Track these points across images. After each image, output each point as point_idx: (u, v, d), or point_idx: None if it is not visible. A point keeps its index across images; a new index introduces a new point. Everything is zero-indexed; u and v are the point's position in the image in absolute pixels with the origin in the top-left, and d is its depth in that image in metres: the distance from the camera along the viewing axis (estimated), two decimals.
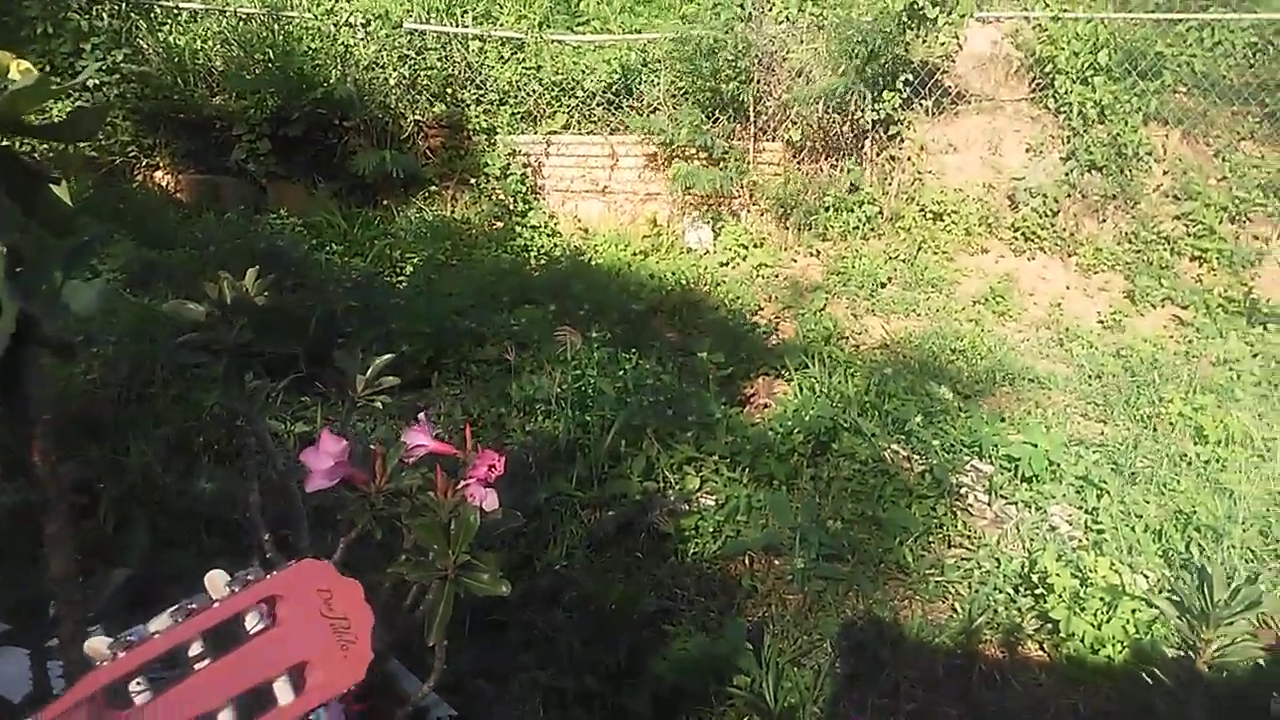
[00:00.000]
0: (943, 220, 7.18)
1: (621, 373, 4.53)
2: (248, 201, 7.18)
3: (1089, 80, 7.24)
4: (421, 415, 1.54)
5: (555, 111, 7.83)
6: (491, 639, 2.74)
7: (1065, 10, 7.51)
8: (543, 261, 6.93)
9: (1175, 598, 1.84)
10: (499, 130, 7.72)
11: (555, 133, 7.79)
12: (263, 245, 5.73)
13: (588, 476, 3.65)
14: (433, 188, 7.75)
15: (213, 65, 7.67)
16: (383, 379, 1.79)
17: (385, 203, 7.53)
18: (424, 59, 7.76)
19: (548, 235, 7.40)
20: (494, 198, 7.62)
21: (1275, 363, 5.57)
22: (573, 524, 3.37)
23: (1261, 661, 1.75)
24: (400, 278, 6.34)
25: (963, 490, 3.80)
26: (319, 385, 3.72)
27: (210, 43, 7.74)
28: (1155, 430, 4.57)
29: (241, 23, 7.82)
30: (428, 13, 8.20)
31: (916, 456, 4.04)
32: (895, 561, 3.30)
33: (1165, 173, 7.22)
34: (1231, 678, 1.83)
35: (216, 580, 0.76)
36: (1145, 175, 7.17)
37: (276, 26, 7.72)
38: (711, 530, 3.43)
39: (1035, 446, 3.91)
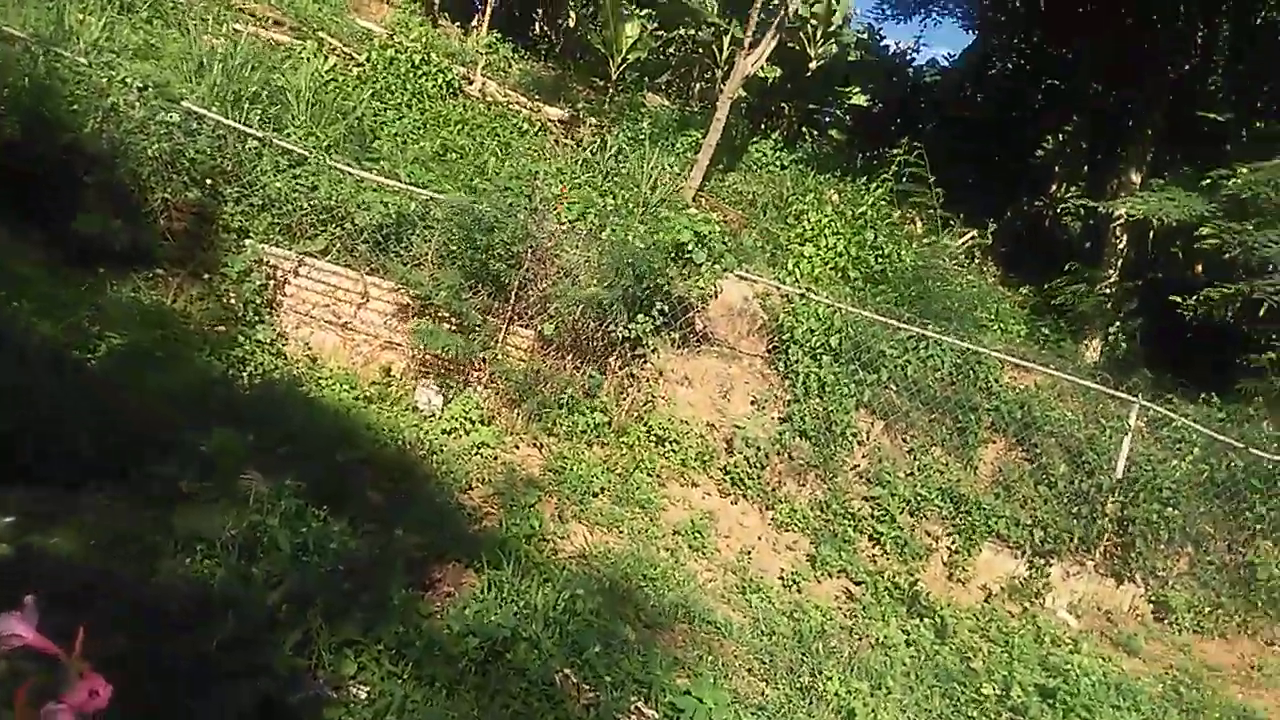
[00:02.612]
0: (664, 446, 8.52)
1: (305, 529, 4.68)
2: None
3: (818, 357, 9.17)
4: (29, 599, 1.47)
5: (318, 234, 8.75)
6: None
7: (811, 290, 9.61)
8: (257, 381, 7.60)
9: None
10: (252, 234, 8.50)
11: (311, 254, 8.68)
12: None
13: (235, 638, 3.67)
14: (160, 271, 8.29)
15: None
16: None
17: (102, 271, 7.98)
18: (194, 141, 8.55)
19: (271, 354, 7.98)
20: (224, 300, 8.27)
21: (925, 656, 6.96)
22: (206, 693, 3.40)
23: None
24: (92, 356, 6.78)
25: None
26: None
27: None
28: (811, 704, 5.53)
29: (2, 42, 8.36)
30: (214, 98, 9.11)
31: (587, 686, 4.52)
32: None
33: (864, 456, 9.12)
34: None
35: None
36: (847, 454, 9.01)
37: (43, 58, 8.31)
38: None
39: (700, 701, 4.67)
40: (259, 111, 9.44)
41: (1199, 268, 12.56)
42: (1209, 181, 12.18)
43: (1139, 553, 9.13)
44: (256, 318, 8.21)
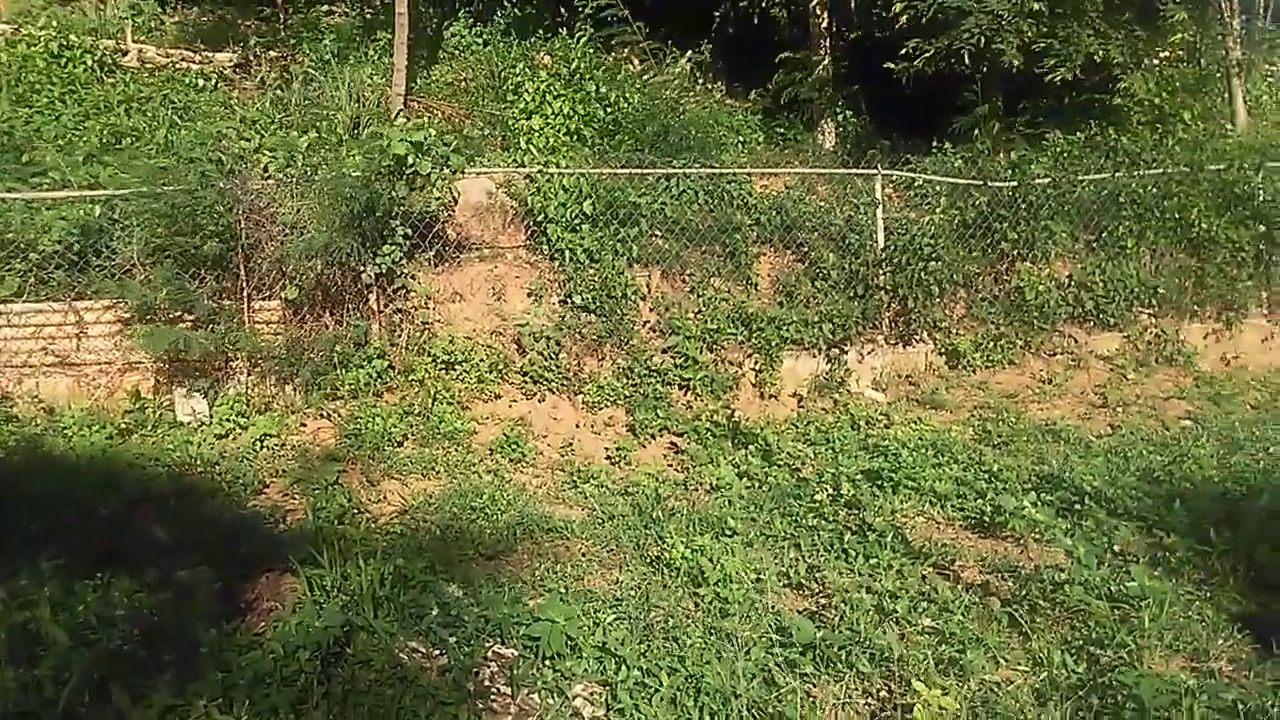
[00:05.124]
0: (455, 369, 8.09)
1: (83, 606, 4.31)
2: None
3: (577, 228, 8.87)
4: None
5: (4, 276, 7.70)
6: None
7: (550, 163, 9.21)
8: None
9: None
10: None
11: (4, 301, 7.63)
12: None
13: None
14: None
15: None
16: None
17: None
18: None
19: None
20: None
21: (757, 483, 7.08)
22: None
23: None
24: None
25: (486, 684, 4.21)
26: None
27: None
28: (664, 574, 5.47)
29: None
30: None
31: (437, 651, 4.35)
32: None
33: (651, 310, 8.98)
34: None
35: None
36: (634, 313, 8.85)
37: None
38: None
39: (553, 622, 4.54)
40: None
41: (903, 21, 12.76)
42: None
43: (917, 312, 9.50)
44: None
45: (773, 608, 5.05)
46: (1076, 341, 9.98)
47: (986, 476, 6.88)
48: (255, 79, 11.70)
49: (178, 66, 11.93)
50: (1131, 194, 10.47)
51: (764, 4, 13.46)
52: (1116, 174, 10.56)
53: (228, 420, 7.39)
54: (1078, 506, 6.20)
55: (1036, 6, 11.28)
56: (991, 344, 9.71)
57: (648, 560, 5.76)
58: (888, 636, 4.60)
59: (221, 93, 11.43)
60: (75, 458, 6.75)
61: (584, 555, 5.89)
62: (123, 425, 7.29)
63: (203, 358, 7.62)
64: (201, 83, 11.54)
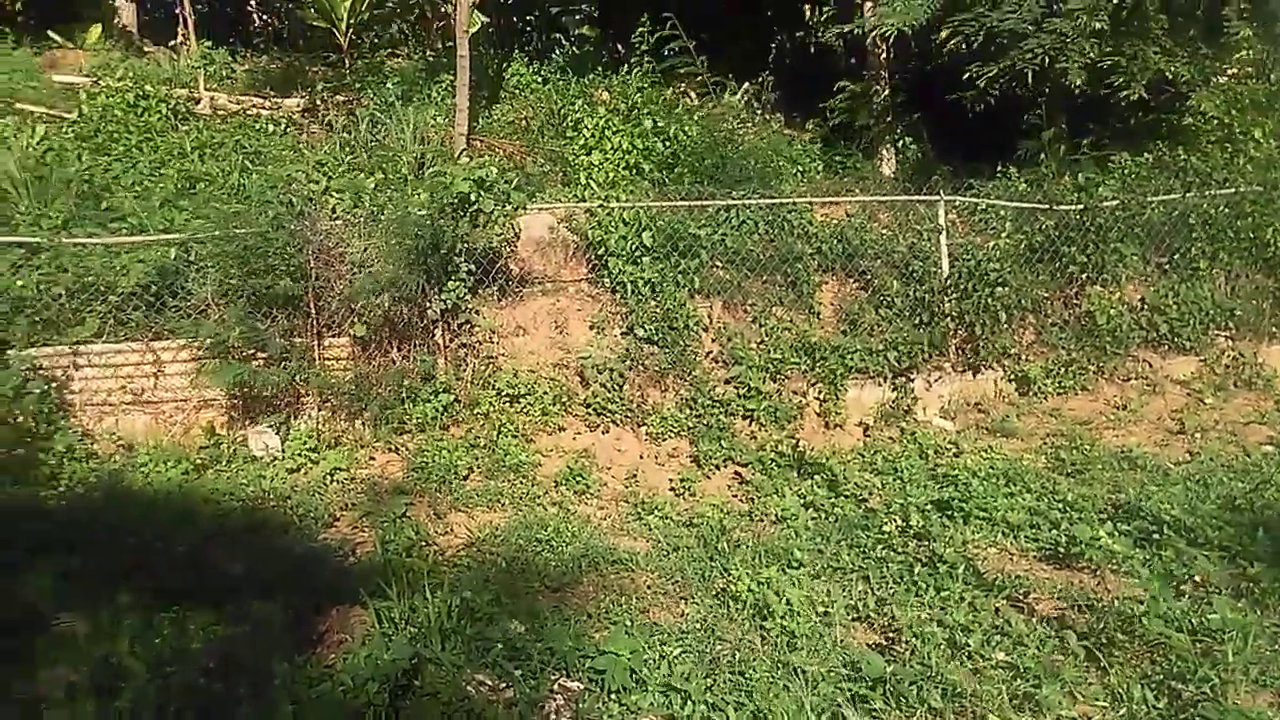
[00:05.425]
0: (519, 402, 8.15)
1: (159, 639, 4.45)
2: None
3: (638, 260, 8.90)
4: None
5: (85, 318, 7.93)
6: None
7: (610, 197, 9.28)
8: (70, 494, 6.87)
9: None
10: (13, 345, 7.66)
11: (85, 342, 7.88)
12: None
13: None
14: None
15: None
16: None
17: None
18: None
19: (80, 460, 7.25)
20: (10, 422, 7.47)
21: (823, 514, 6.98)
22: None
23: None
24: None
25: (551, 717, 4.22)
26: None
27: None
28: (729, 606, 5.42)
29: None
30: None
31: (503, 684, 4.37)
32: None
33: (714, 340, 8.96)
34: None
35: None
36: (696, 344, 8.82)
37: None
38: None
39: (617, 655, 4.54)
40: None
41: (951, 46, 12.66)
42: None
43: (985, 339, 9.33)
44: (50, 428, 7.44)
45: (841, 641, 4.96)
46: (1151, 366, 9.70)
47: (1060, 506, 6.70)
48: (323, 123, 12.00)
49: (248, 112, 12.30)
50: (1203, 214, 10.23)
51: (821, 34, 13.45)
52: (1187, 194, 10.31)
53: (299, 455, 7.50)
54: (1156, 536, 6.00)
55: (1100, 26, 11.12)
56: (1062, 369, 9.47)
57: (713, 592, 5.69)
58: (960, 671, 4.50)
59: (291, 137, 11.75)
60: (153, 493, 6.90)
61: (649, 587, 5.83)
62: (198, 461, 7.44)
63: (274, 394, 7.78)
64: (271, 128, 11.88)
